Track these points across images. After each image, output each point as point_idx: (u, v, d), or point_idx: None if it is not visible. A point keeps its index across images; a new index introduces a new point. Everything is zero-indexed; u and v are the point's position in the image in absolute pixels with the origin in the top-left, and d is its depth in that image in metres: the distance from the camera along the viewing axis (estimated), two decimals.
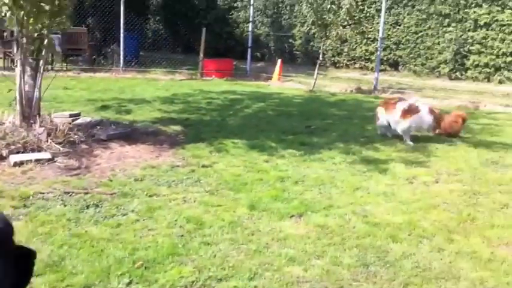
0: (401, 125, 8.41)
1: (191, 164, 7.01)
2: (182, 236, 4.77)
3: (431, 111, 8.59)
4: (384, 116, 8.67)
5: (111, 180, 6.19)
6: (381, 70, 18.56)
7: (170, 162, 7.06)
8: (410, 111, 8.38)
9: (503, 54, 16.85)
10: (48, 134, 7.37)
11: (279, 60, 17.17)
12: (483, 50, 17.16)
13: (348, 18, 14.35)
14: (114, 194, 5.79)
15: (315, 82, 14.95)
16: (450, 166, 7.07)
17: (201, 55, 17.07)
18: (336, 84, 15.90)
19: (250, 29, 18.25)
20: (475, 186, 6.20)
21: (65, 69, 17.50)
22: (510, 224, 5.11)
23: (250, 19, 18.30)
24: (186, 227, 4.94)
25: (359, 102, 12.97)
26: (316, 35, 16.05)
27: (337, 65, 20.59)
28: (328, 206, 5.55)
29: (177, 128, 9.19)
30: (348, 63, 20.38)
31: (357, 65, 20.13)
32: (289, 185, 6.21)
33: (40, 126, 7.47)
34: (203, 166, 6.92)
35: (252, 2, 18.16)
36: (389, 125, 8.63)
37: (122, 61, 17.06)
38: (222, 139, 8.34)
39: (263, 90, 14.71)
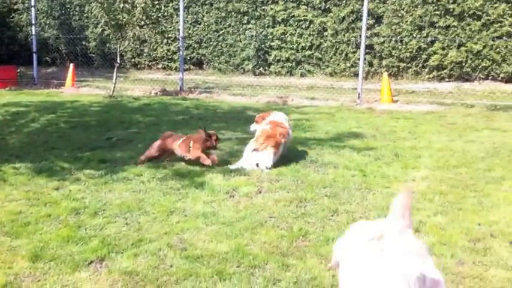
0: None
1: None
2: None
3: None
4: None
5: None
6: (186, 69, 17.83)
7: None
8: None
9: (302, 48, 17.25)
10: None
11: (71, 65, 15.39)
12: (283, 45, 17.40)
13: (144, 17, 13.18)
14: None
15: (114, 87, 13.55)
16: (271, 171, 6.41)
17: None
18: (139, 87, 14.73)
19: (33, 32, 16.04)
20: (300, 192, 5.57)
21: None
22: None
23: (33, 21, 16.07)
24: None
25: (166, 105, 11.97)
26: (111, 36, 14.61)
27: (138, 67, 19.36)
28: (138, 241, 4.43)
29: None
30: (149, 64, 19.27)
31: (159, 66, 19.12)
32: (86, 218, 4.94)
33: None
34: None
35: (33, 4, 15.97)
36: None
37: None
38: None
39: (54, 98, 12.90)
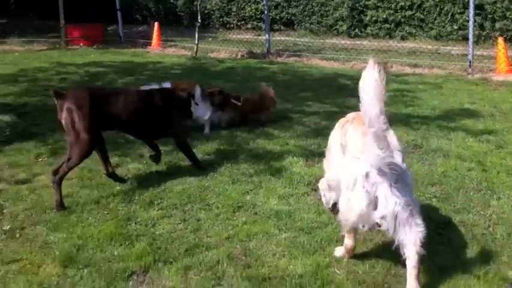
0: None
1: (1, 178, 4.83)
2: None
3: None
4: None
5: None
6: (276, 30, 16.74)
7: None
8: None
9: (402, 8, 15.56)
10: None
11: (156, 24, 14.78)
12: (380, 4, 15.78)
13: None
14: None
15: (196, 48, 12.75)
16: None
17: (62, 21, 14.27)
18: (225, 48, 13.82)
19: None
20: None
21: None
22: None
23: None
24: None
25: (251, 69, 11.01)
26: None
27: (227, 26, 18.45)
28: (193, 246, 3.57)
29: (6, 118, 6.82)
30: (238, 23, 18.30)
31: (248, 26, 18.11)
32: (138, 208, 4.18)
33: None
34: (16, 182, 4.69)
35: None
36: None
37: None
38: (62, 133, 6.02)
39: (138, 59, 12.34)
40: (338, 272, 3.22)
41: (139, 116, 4.63)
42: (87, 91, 4.47)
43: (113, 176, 4.62)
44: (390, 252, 3.23)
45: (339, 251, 3.41)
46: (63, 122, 4.31)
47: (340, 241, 3.50)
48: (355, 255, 3.39)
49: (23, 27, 15.95)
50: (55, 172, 4.29)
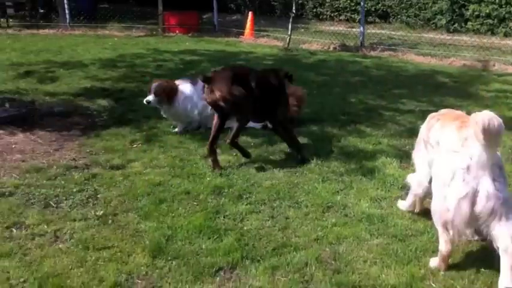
0: None
1: (97, 163, 4.94)
2: None
3: None
4: None
5: None
6: (370, 22, 16.30)
7: (68, 160, 4.98)
8: None
9: (507, 3, 14.63)
10: None
11: (250, 13, 14.83)
12: None
13: None
14: None
15: (289, 39, 12.64)
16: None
17: (160, 7, 14.66)
18: (317, 40, 13.61)
19: None
20: None
21: (4, 25, 15.13)
22: None
23: None
24: None
25: (343, 63, 10.77)
26: None
27: (320, 17, 18.21)
28: (281, 245, 3.49)
29: (104, 102, 7.10)
30: (332, 15, 17.99)
31: (342, 17, 17.77)
32: (227, 202, 4.14)
33: None
34: (111, 168, 4.83)
35: None
36: None
37: (67, 15, 14.60)
38: (156, 120, 6.24)
39: (231, 48, 12.45)
40: (434, 285, 3.03)
41: (266, 95, 4.85)
42: (231, 71, 4.78)
43: (236, 145, 4.89)
44: (492, 267, 3.01)
45: (434, 262, 3.21)
46: (220, 103, 4.64)
47: (436, 252, 3.29)
48: (453, 268, 3.18)
49: (123, 13, 16.55)
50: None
